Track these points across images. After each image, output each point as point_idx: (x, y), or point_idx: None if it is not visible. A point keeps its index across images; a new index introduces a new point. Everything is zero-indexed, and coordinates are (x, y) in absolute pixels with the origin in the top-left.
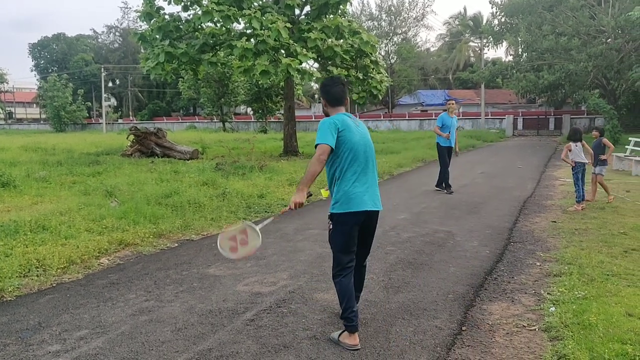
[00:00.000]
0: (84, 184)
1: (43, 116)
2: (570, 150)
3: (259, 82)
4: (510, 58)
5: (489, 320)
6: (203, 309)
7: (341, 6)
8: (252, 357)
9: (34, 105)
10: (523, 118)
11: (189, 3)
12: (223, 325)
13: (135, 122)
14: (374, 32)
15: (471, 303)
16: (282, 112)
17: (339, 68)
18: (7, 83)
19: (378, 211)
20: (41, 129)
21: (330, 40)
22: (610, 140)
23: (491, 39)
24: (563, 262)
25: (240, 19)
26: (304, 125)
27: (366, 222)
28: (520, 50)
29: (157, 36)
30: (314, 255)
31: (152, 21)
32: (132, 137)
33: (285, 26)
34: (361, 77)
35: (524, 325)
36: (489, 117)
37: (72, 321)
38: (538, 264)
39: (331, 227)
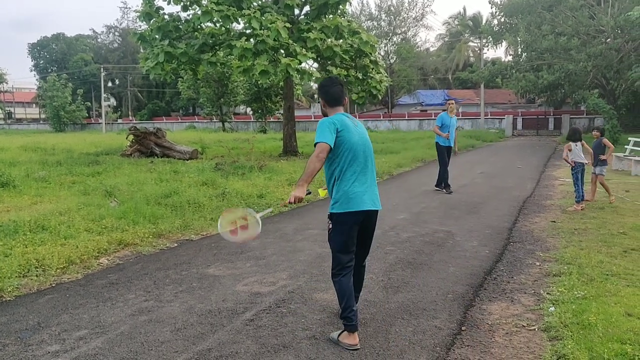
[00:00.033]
0: (83, 184)
1: (42, 116)
2: (570, 150)
3: (259, 82)
4: (509, 58)
5: (489, 320)
6: (202, 309)
7: (340, 6)
8: (252, 357)
9: (34, 105)
10: (522, 118)
11: (188, 3)
12: (222, 325)
13: (134, 122)
14: (374, 32)
15: (471, 303)
16: (281, 112)
17: (338, 68)
18: (6, 83)
19: (377, 211)
20: (40, 129)
21: (329, 40)
22: (609, 140)
23: (490, 39)
24: (562, 262)
25: (239, 19)
26: (303, 125)
27: (365, 221)
28: (519, 50)
29: (157, 36)
30: (313, 255)
31: (151, 21)
32: (131, 137)
33: (285, 26)
34: (360, 77)
35: (523, 325)
36: (489, 117)
37: (71, 321)
38: (537, 263)
39: (331, 226)
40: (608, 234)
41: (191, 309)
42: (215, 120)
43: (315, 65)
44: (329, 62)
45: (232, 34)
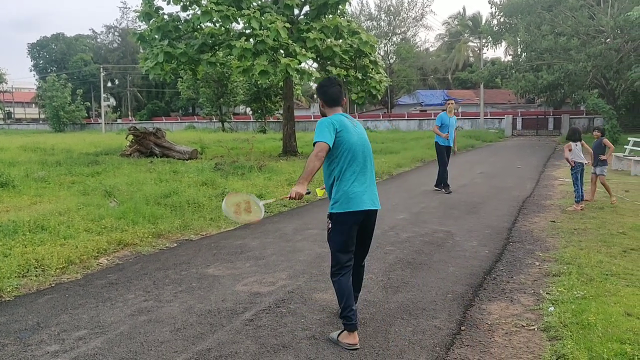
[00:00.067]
0: (83, 184)
1: (42, 116)
2: (570, 150)
3: (258, 82)
4: (509, 58)
5: (488, 320)
6: (202, 309)
7: (340, 6)
8: (251, 357)
9: (33, 105)
10: (522, 118)
11: (188, 3)
12: (222, 325)
13: (134, 122)
14: (373, 32)
15: (470, 303)
16: (281, 112)
17: (338, 68)
18: (6, 83)
19: (377, 210)
20: (40, 129)
21: (329, 40)
22: (609, 140)
23: (490, 39)
24: (562, 261)
25: (239, 19)
26: (303, 125)
27: (365, 221)
28: (519, 50)
29: (156, 36)
30: (313, 255)
31: (151, 21)
32: (131, 137)
33: (284, 26)
34: (360, 77)
35: (523, 325)
36: (488, 117)
37: (70, 321)
38: (537, 263)
39: (330, 226)
40: (608, 234)
41: (191, 309)
42: (214, 120)
43: (315, 65)
44: (328, 62)
45: (231, 34)
